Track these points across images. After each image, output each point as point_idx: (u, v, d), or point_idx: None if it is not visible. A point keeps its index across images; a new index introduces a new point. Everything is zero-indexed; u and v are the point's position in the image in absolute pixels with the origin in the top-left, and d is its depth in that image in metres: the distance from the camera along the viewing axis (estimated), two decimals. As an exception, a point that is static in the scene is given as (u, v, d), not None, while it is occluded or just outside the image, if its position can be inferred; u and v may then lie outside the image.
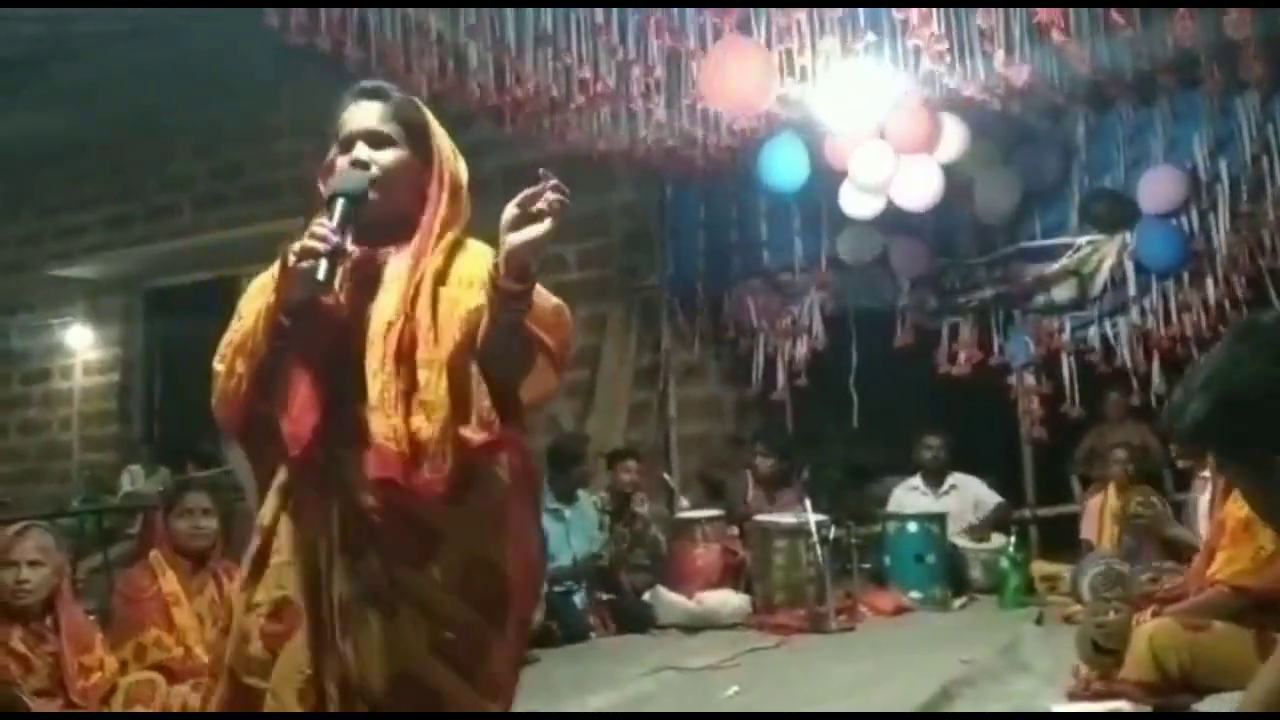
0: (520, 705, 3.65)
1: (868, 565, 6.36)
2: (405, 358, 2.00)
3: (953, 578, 6.28)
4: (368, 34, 5.20)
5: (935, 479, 6.95)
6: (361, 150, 2.11)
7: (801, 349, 7.76)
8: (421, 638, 1.99)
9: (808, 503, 5.99)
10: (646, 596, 5.99)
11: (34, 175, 11.07)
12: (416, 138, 2.15)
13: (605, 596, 5.94)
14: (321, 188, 2.15)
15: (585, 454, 6.47)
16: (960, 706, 3.93)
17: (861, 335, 7.54)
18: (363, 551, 2.02)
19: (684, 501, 7.06)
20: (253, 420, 2.10)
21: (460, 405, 1.99)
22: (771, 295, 7.89)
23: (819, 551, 5.76)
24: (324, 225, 1.99)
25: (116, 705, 3.63)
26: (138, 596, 4.10)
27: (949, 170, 6.56)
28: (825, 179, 6.85)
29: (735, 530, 6.50)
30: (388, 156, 2.12)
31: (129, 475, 9.61)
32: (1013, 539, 6.15)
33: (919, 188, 6.52)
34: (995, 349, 7.25)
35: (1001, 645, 4.85)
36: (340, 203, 2.03)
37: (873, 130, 6.34)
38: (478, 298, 2.00)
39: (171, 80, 9.08)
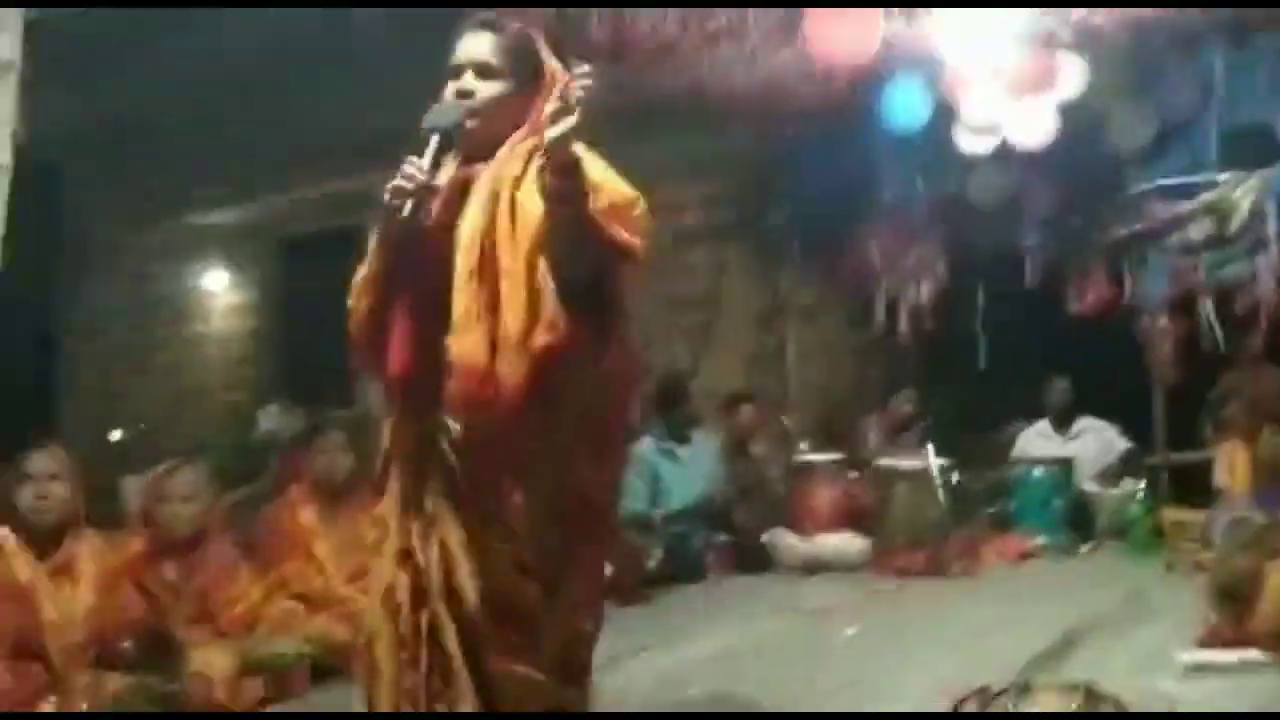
0: (638, 646, 3.76)
1: (992, 510, 6.29)
2: (488, 268, 2.03)
3: (1080, 523, 6.17)
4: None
5: (1063, 423, 6.81)
6: (468, 80, 2.15)
7: (925, 291, 7.64)
8: (506, 556, 2.07)
9: (930, 446, 5.93)
10: (765, 538, 6.02)
11: (175, 125, 11.47)
12: (526, 70, 2.18)
13: (723, 538, 5.99)
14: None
15: (687, 392, 6.45)
16: (1084, 654, 3.88)
17: (988, 276, 7.38)
18: (452, 474, 2.09)
19: (803, 444, 7.06)
20: (378, 351, 2.19)
21: (532, 311, 2.00)
22: (894, 236, 7.77)
23: (941, 495, 5.71)
24: (412, 163, 2.06)
25: (260, 634, 3.83)
26: (278, 530, 4.31)
27: (1079, 106, 6.34)
28: (949, 117, 6.69)
29: (855, 473, 6.49)
30: (492, 88, 2.15)
31: (266, 414, 10.00)
32: (1142, 484, 6.01)
33: (1033, 126, 6.32)
34: (1127, 289, 7.04)
35: (1129, 592, 4.77)
36: (434, 137, 2.08)
37: (990, 68, 6.15)
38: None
39: (300, 34, 9.28)
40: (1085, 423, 6.79)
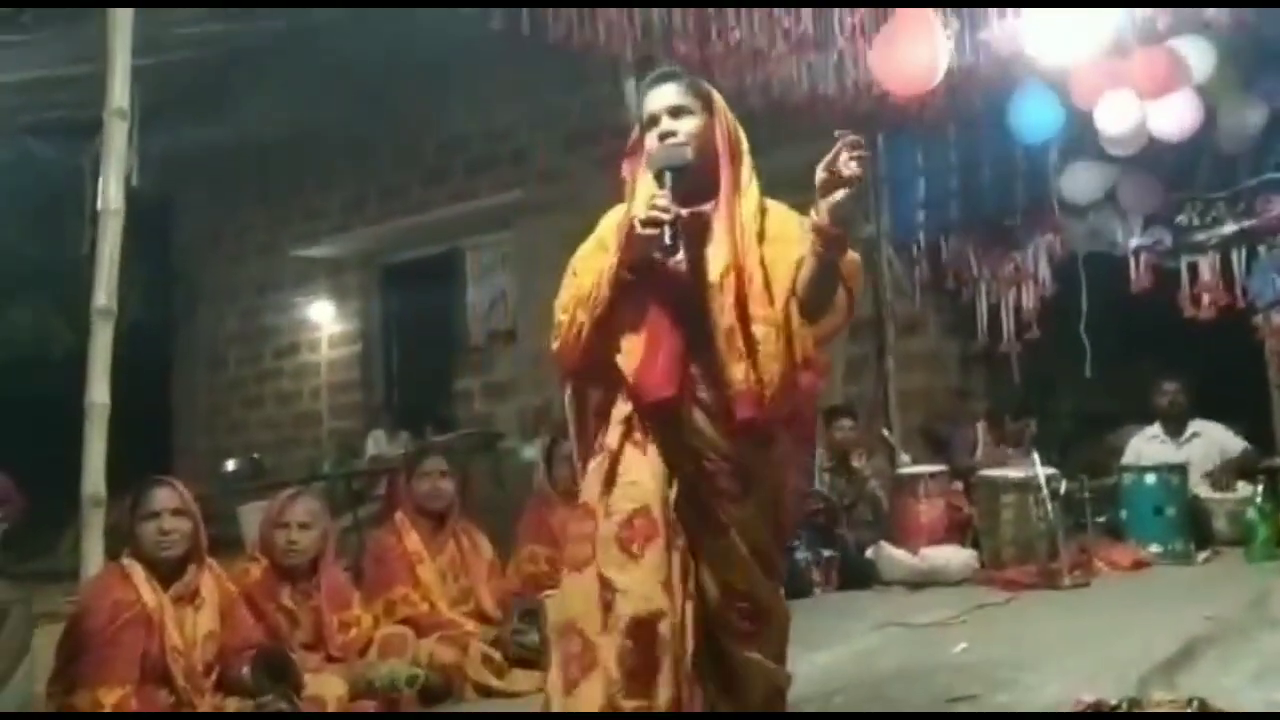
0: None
1: (1103, 519, 6.13)
2: (741, 308, 2.34)
3: (1195, 530, 5.98)
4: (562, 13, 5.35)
5: (1175, 427, 6.61)
6: (667, 122, 2.45)
7: (1027, 297, 7.51)
8: (744, 554, 2.41)
9: (1035, 456, 5.81)
10: (869, 553, 5.96)
11: (280, 160, 11.83)
12: (704, 102, 2.50)
13: (827, 553, 5.95)
14: (625, 170, 2.54)
15: None
16: (1204, 664, 3.76)
17: (1092, 279, 7.23)
18: (697, 481, 2.40)
19: (905, 457, 6.98)
20: (589, 362, 2.49)
21: (791, 353, 2.34)
22: (993, 242, 7.66)
23: (1049, 505, 5.59)
24: (663, 197, 2.33)
25: (371, 658, 3.91)
26: (385, 556, 4.40)
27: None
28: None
29: (960, 485, 6.38)
30: (691, 123, 2.46)
31: (373, 440, 10.21)
32: (1260, 488, 5.80)
33: (1177, 118, 6.17)
34: (1239, 288, 6.83)
35: (1249, 599, 4.61)
36: (668, 175, 2.38)
37: (1115, 72, 6.04)
38: (798, 251, 2.35)
39: (397, 61, 9.52)
40: (1198, 426, 6.58)
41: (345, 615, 4.02)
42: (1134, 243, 7.14)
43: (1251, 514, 5.70)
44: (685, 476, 2.41)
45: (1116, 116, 6.21)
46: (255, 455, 10.97)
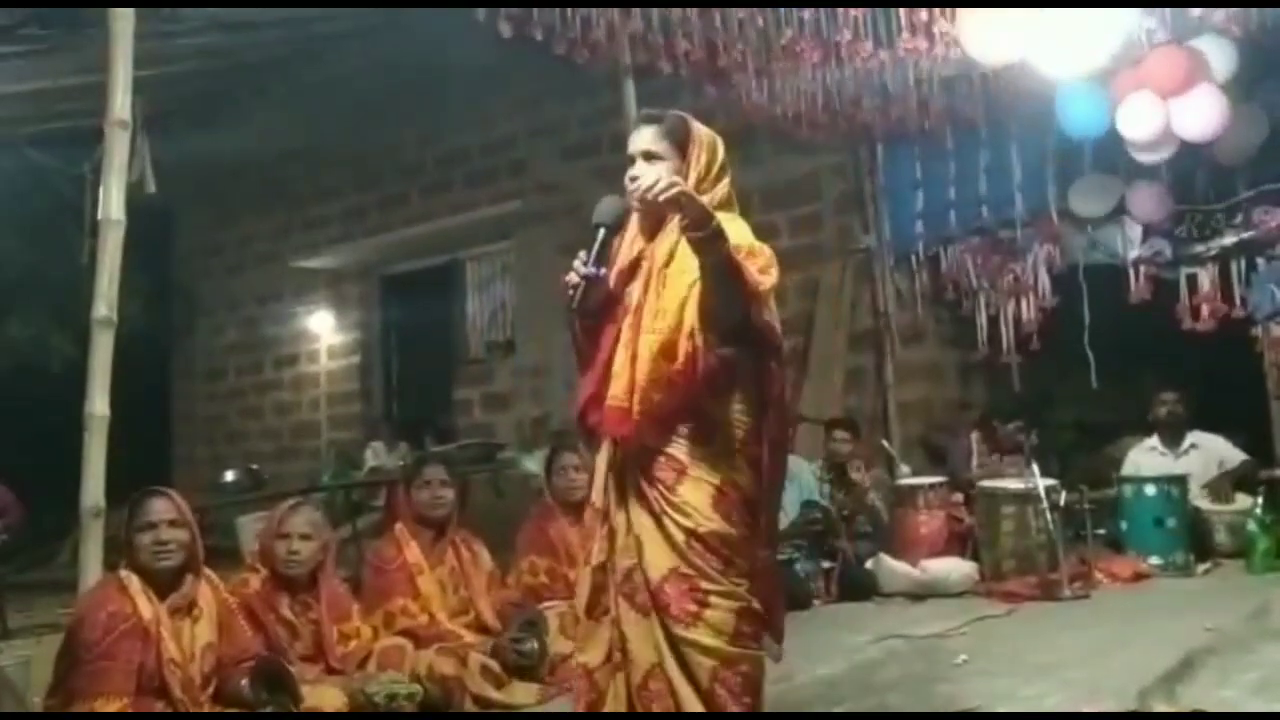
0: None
1: (1102, 531, 6.12)
2: (636, 329, 2.57)
3: (1195, 542, 5.97)
4: (568, 15, 5.36)
5: (1174, 438, 6.60)
6: (638, 167, 2.65)
7: (1027, 308, 7.52)
8: (681, 538, 2.57)
9: (1035, 467, 5.81)
10: (869, 564, 5.95)
11: (280, 172, 11.85)
12: (679, 147, 2.68)
13: (827, 564, 5.94)
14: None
15: None
16: (1204, 676, 3.76)
17: (1093, 290, 7.23)
18: (636, 478, 2.63)
19: (905, 468, 6.97)
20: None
21: (670, 355, 2.52)
22: (992, 253, 7.67)
23: (1049, 517, 5.58)
24: (580, 259, 2.59)
25: (370, 670, 3.90)
26: (385, 567, 4.39)
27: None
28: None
29: (960, 496, 6.38)
30: (656, 170, 2.61)
31: (372, 451, 10.20)
32: (1260, 500, 5.80)
33: (1198, 116, 6.11)
34: (1237, 300, 6.83)
35: (1250, 611, 4.60)
36: (601, 232, 2.62)
37: (1134, 75, 6.04)
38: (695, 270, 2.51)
39: (397, 74, 9.55)
40: (1197, 437, 6.58)
41: (345, 626, 4.01)
42: (1133, 254, 7.14)
43: (1251, 526, 5.69)
44: (627, 474, 2.67)
45: (1139, 120, 6.17)
46: (254, 466, 10.97)
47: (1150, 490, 6.08)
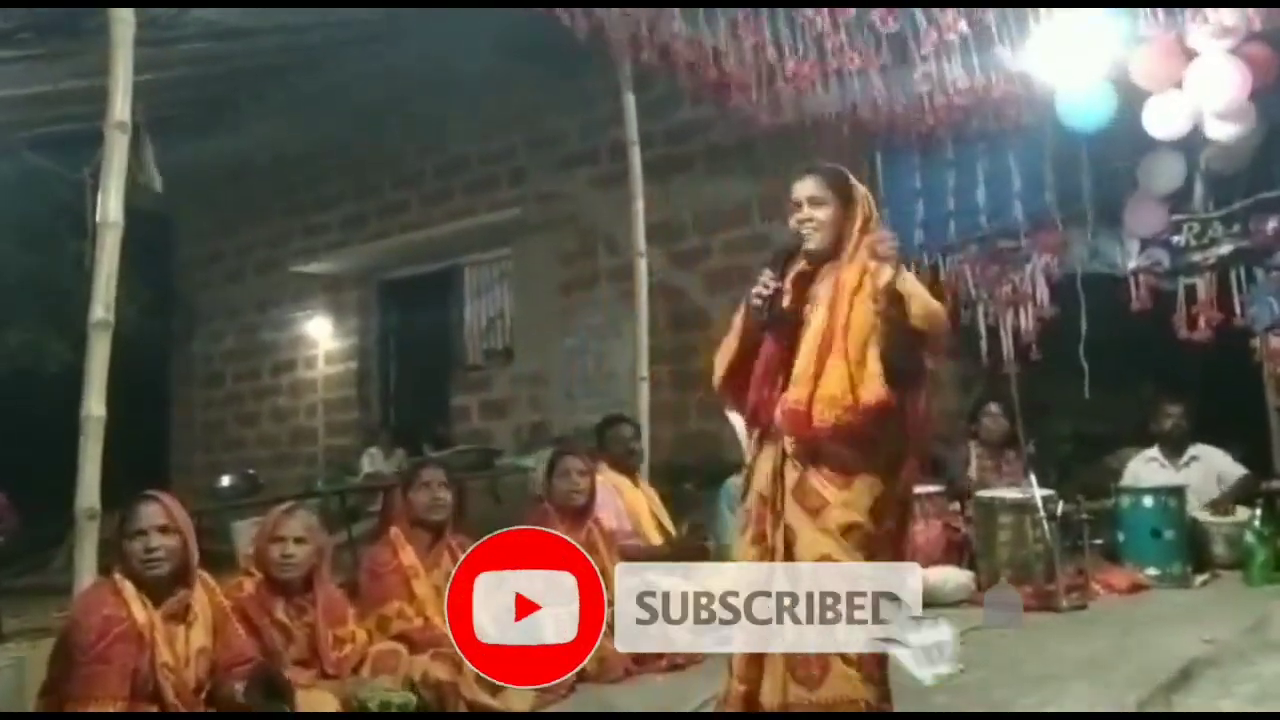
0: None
1: (1100, 541, 6.10)
2: (824, 349, 3.00)
3: (1194, 554, 5.96)
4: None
5: (1175, 450, 6.59)
6: (806, 210, 3.14)
7: (1026, 318, 7.51)
8: (835, 531, 2.96)
9: (1032, 477, 5.80)
10: (866, 573, 5.93)
11: (280, 178, 11.86)
12: (843, 194, 3.17)
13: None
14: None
15: None
16: (1203, 687, 3.76)
17: (1091, 301, 7.22)
18: (802, 475, 3.04)
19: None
20: (737, 393, 3.22)
21: (854, 383, 2.95)
22: (991, 263, 7.66)
23: (1046, 527, 5.58)
24: (766, 274, 3.09)
25: (365, 674, 3.89)
26: (381, 570, 4.38)
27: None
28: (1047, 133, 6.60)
29: (957, 506, 6.37)
30: (822, 212, 3.14)
31: (369, 457, 10.20)
32: (1259, 512, 5.79)
33: (1220, 82, 6.04)
34: (1237, 308, 6.82)
35: (1247, 623, 4.60)
36: (777, 252, 3.15)
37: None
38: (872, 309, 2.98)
39: (397, 82, 9.56)
40: (1198, 449, 6.57)
41: (340, 630, 3.99)
42: (1131, 264, 7.13)
43: (1249, 537, 5.68)
44: (788, 472, 3.07)
45: (1165, 117, 6.15)
46: (250, 471, 10.94)
47: (1148, 501, 6.07)
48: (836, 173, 3.22)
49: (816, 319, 3.07)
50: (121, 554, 3.36)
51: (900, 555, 3.11)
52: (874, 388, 2.95)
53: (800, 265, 3.18)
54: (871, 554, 2.98)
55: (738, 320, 3.25)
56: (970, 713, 3.18)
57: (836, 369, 2.98)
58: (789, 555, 3.01)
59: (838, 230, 3.15)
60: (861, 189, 3.23)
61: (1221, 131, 6.14)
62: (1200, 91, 5.99)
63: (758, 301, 3.10)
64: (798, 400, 3.00)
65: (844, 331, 3.01)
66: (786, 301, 3.13)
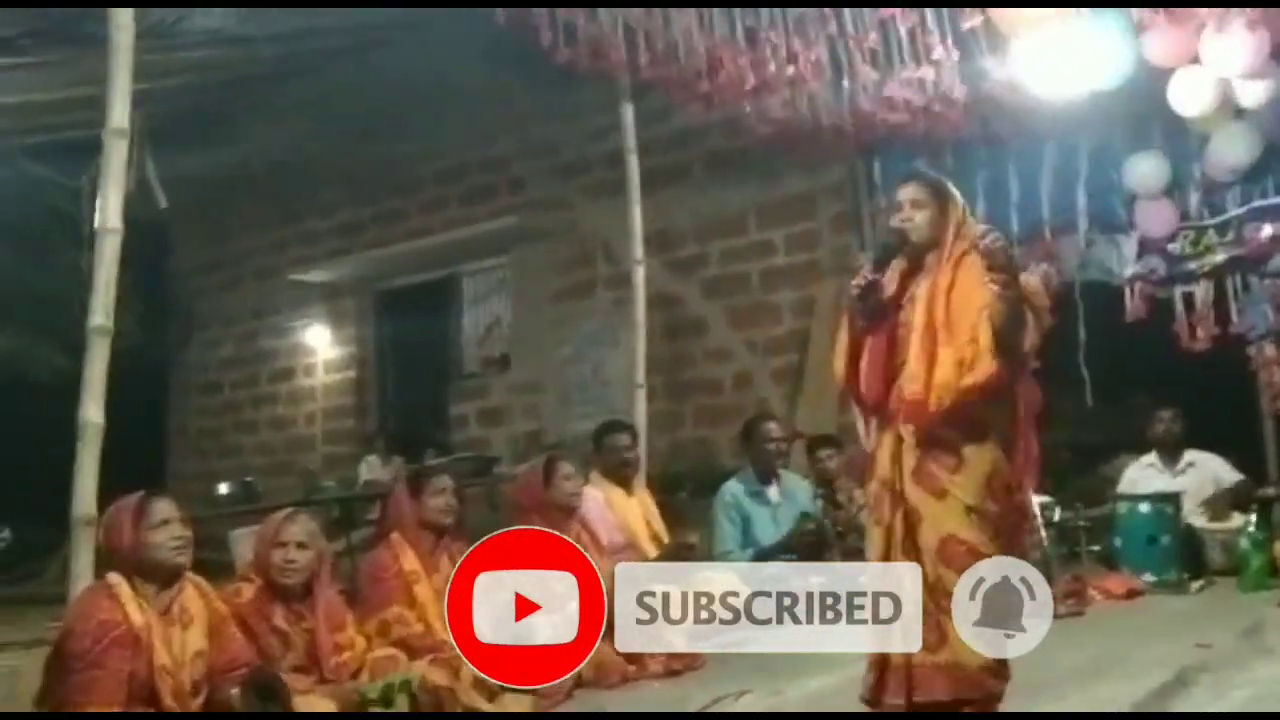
0: (740, 689, 3.75)
1: (1097, 547, 6.12)
2: (930, 341, 3.22)
3: (1189, 560, 5.97)
4: (574, 30, 5.39)
5: (1171, 456, 6.60)
6: (907, 211, 3.38)
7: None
8: (960, 511, 3.17)
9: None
10: (862, 579, 5.92)
11: (278, 186, 11.87)
12: (940, 200, 3.39)
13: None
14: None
15: (758, 433, 6.36)
16: (1198, 693, 3.76)
17: (1088, 309, 7.23)
18: (922, 460, 3.24)
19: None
20: (856, 385, 3.42)
21: (967, 364, 3.16)
22: (988, 270, 7.66)
23: (1043, 534, 5.59)
24: (866, 265, 3.38)
25: (363, 680, 3.88)
26: (381, 575, 4.38)
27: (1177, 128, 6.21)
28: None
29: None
30: (921, 214, 3.37)
31: (366, 465, 10.19)
32: (1254, 518, 5.80)
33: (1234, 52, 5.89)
34: (1234, 316, 6.83)
35: (1243, 629, 4.61)
36: (881, 248, 3.43)
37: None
38: (980, 296, 3.20)
39: (395, 91, 9.58)
40: (1193, 456, 6.58)
41: (340, 636, 3.98)
42: (1128, 272, 7.14)
43: (1244, 544, 5.70)
44: (909, 455, 3.27)
45: (1191, 92, 6.11)
46: (248, 479, 10.93)
47: (1144, 508, 6.09)
48: (936, 180, 3.48)
49: (918, 317, 3.29)
50: (139, 548, 3.36)
51: (1020, 538, 3.38)
52: (986, 363, 3.15)
53: (901, 263, 3.41)
54: (996, 532, 3.19)
55: (843, 318, 3.50)
56: (970, 713, 3.17)
57: (947, 356, 3.19)
58: (911, 537, 3.22)
59: (935, 233, 3.36)
60: (958, 196, 3.44)
61: (1252, 95, 6.06)
62: (1220, 60, 5.92)
63: (855, 291, 3.36)
64: (915, 390, 3.21)
65: (946, 324, 3.22)
66: (887, 294, 3.36)
